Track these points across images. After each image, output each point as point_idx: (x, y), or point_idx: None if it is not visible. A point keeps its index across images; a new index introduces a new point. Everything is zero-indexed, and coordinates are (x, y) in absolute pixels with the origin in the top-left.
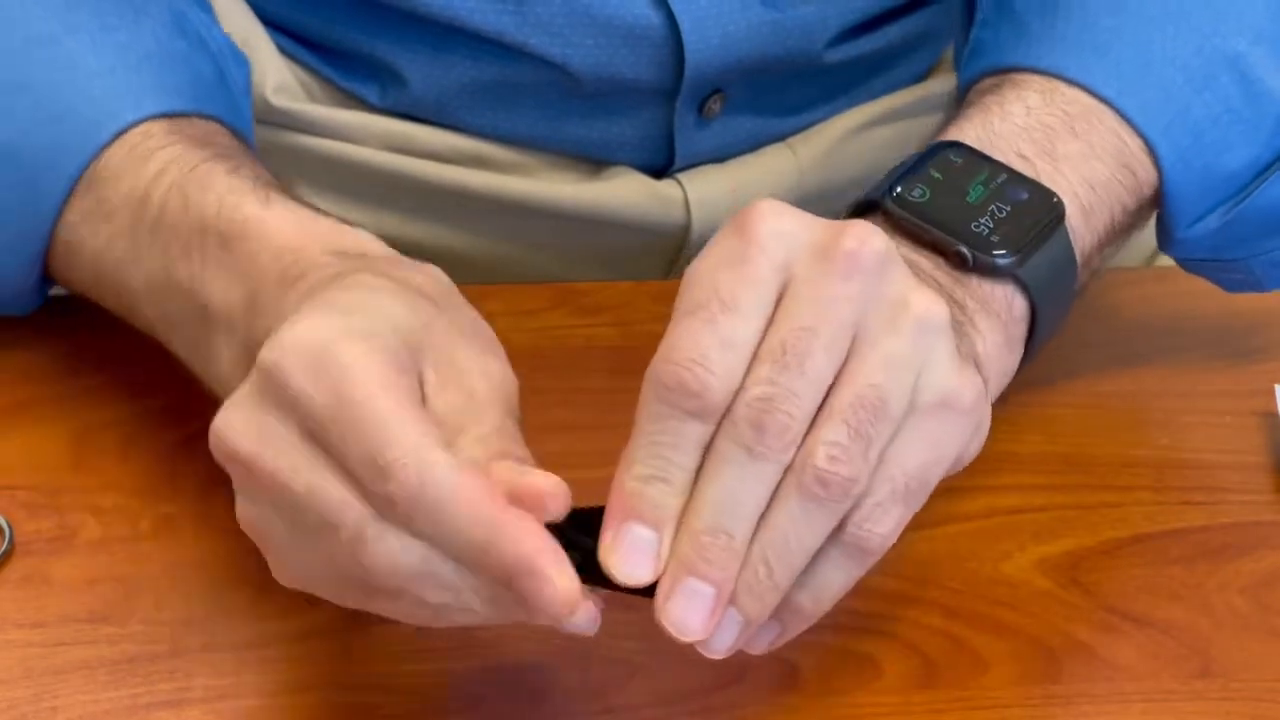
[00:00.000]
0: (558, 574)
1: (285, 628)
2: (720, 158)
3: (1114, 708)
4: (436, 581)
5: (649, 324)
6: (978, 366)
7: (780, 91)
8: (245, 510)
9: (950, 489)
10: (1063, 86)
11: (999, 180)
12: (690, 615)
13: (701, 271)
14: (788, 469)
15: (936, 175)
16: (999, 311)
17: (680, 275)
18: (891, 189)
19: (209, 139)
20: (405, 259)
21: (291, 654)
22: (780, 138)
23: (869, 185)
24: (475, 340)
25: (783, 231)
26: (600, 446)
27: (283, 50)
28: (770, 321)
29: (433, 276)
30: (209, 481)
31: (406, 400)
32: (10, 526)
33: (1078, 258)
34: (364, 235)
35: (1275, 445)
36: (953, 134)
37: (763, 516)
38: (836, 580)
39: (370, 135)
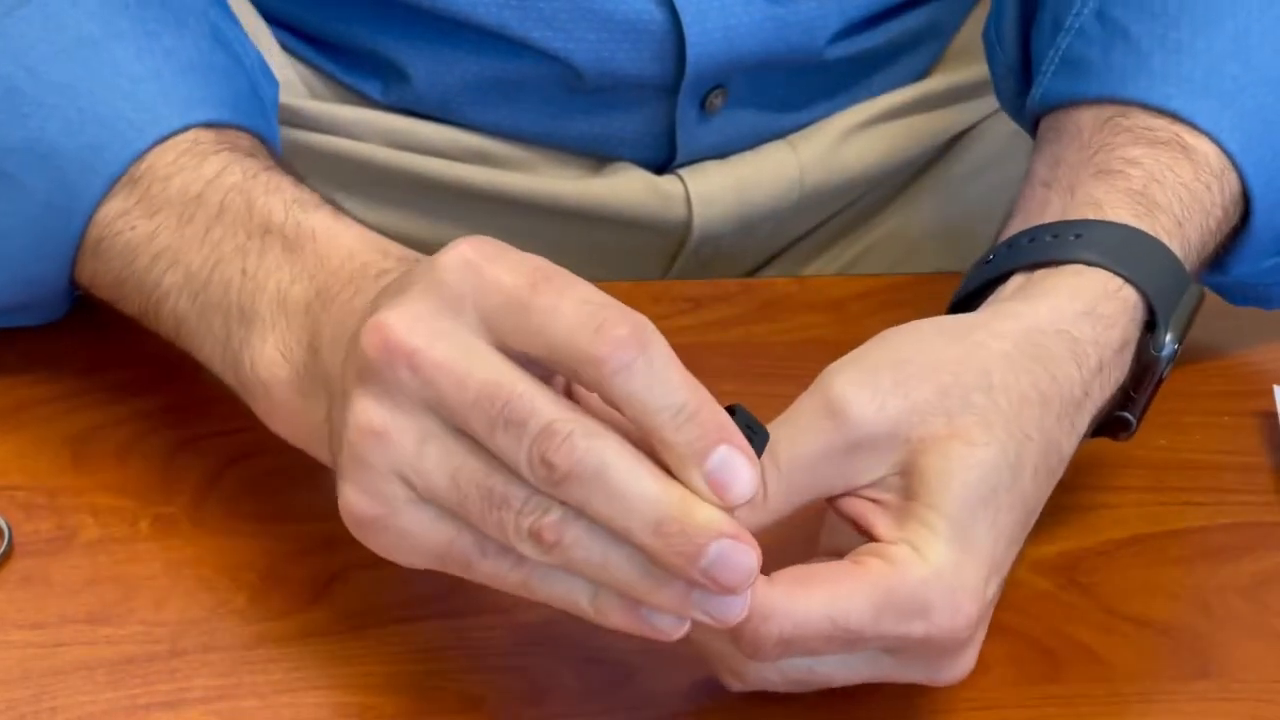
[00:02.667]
0: (750, 457)
1: (284, 628)
2: (722, 154)
3: (1113, 708)
4: (608, 497)
5: None
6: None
7: (782, 87)
8: (370, 415)
9: None
10: (1199, 144)
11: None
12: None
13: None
14: None
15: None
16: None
17: (682, 272)
18: (1178, 340)
19: (255, 152)
20: None
21: (290, 655)
22: (782, 134)
23: (1164, 286)
24: None
25: None
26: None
27: (285, 47)
28: None
29: None
30: (207, 483)
31: None
32: (9, 527)
33: None
34: None
35: (1274, 446)
36: (1164, 227)
37: None
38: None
39: (373, 132)
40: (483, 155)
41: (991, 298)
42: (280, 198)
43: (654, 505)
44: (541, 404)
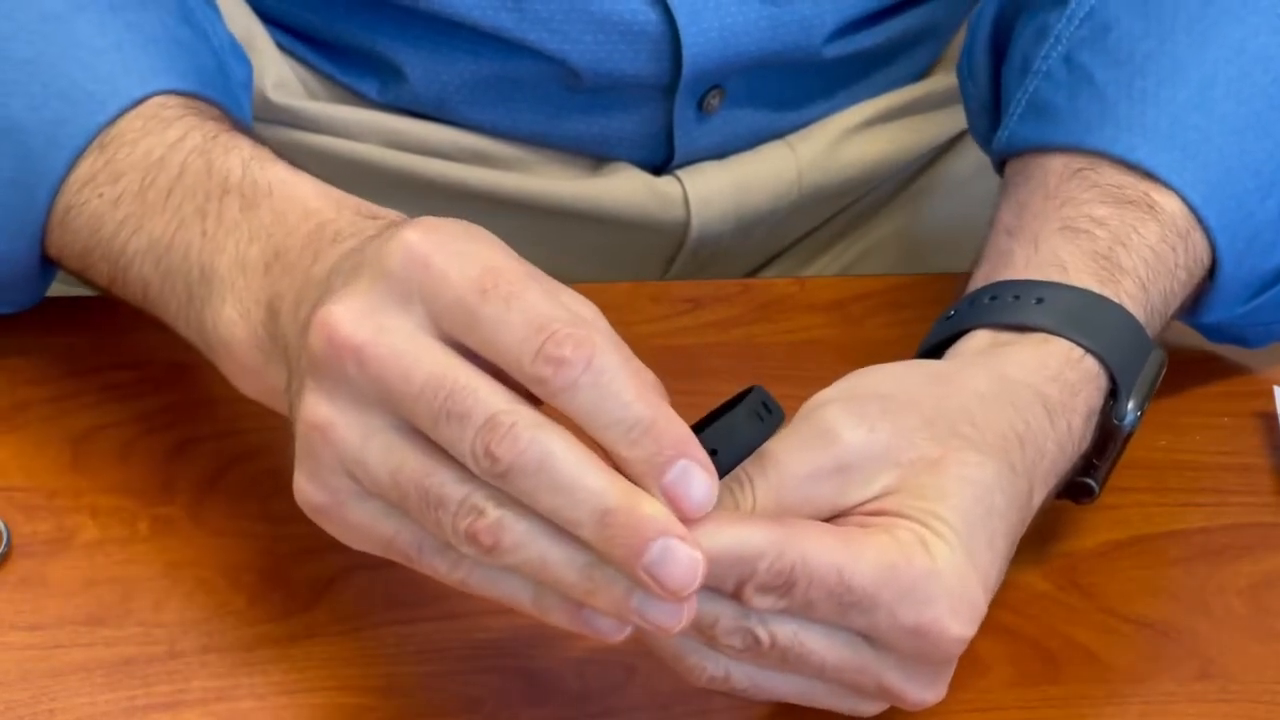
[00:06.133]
0: (708, 470)
1: (282, 630)
2: (720, 154)
3: (1112, 710)
4: (553, 489)
5: (648, 324)
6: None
7: (780, 87)
8: (318, 410)
9: None
10: (1167, 202)
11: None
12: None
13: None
14: None
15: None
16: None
17: (680, 273)
18: (1140, 407)
19: (218, 118)
20: None
21: (288, 656)
22: (780, 134)
23: (1126, 364)
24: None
25: None
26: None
27: (282, 47)
28: None
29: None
30: (206, 484)
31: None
32: (8, 528)
33: None
34: (394, 212)
35: (1274, 446)
36: (1128, 292)
37: None
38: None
39: (370, 132)
40: (480, 155)
41: (954, 349)
42: (238, 156)
43: (599, 496)
44: (485, 395)
